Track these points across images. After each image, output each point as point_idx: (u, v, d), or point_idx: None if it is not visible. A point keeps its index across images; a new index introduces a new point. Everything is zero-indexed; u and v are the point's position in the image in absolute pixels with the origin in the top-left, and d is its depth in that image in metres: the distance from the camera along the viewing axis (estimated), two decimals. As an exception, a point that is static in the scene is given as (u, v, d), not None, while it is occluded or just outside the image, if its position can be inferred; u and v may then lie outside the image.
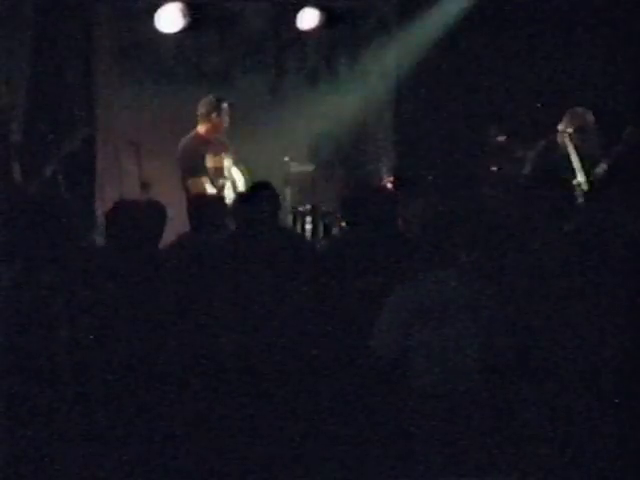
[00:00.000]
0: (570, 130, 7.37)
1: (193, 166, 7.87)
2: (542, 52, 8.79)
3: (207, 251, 5.63)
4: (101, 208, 7.53)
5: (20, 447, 4.37)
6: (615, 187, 5.88)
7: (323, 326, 4.90)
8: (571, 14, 8.65)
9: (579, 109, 7.46)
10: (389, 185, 8.40)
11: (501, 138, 8.89)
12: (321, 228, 7.99)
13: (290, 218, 8.07)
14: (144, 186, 7.88)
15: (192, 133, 8.17)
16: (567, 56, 8.71)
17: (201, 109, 8.15)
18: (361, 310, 4.91)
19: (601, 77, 8.46)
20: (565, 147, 7.37)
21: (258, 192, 5.49)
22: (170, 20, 8.85)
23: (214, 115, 8.07)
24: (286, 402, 4.84)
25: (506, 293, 4.78)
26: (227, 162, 8.04)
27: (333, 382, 4.93)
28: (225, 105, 8.08)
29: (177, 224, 6.17)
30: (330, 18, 9.09)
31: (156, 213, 5.33)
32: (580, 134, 7.35)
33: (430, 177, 8.39)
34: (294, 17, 9.09)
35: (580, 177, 7.11)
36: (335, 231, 7.69)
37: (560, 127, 7.44)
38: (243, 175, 8.14)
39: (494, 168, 8.72)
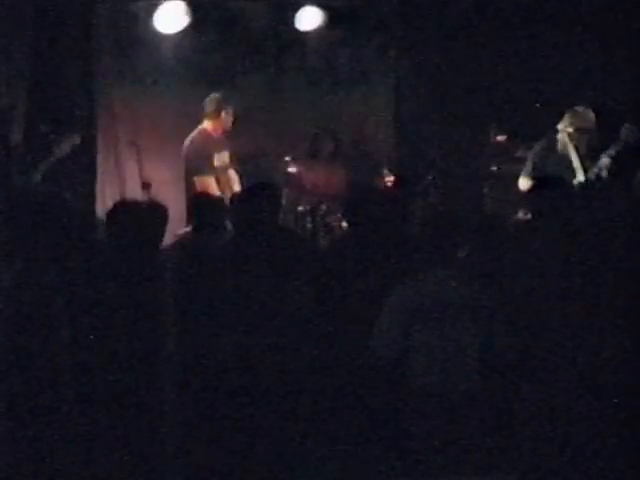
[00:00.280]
0: (570, 129, 7.36)
1: (200, 164, 7.90)
2: (542, 52, 8.80)
3: (207, 251, 5.64)
4: (101, 208, 7.53)
5: (20, 447, 4.36)
6: (614, 185, 5.87)
7: (323, 326, 4.90)
8: (570, 14, 8.65)
9: (579, 108, 7.45)
10: (389, 185, 8.41)
11: (501, 138, 8.90)
12: (321, 228, 8.00)
13: (290, 218, 8.07)
14: (144, 186, 7.89)
15: (199, 131, 8.18)
16: (567, 56, 8.71)
17: (209, 107, 8.17)
18: (361, 310, 4.91)
19: (601, 76, 8.46)
20: (565, 146, 7.36)
21: (258, 192, 5.49)
22: (170, 20, 8.86)
23: (223, 113, 8.11)
24: (286, 402, 4.84)
25: (506, 293, 4.78)
26: (229, 161, 8.07)
27: (333, 382, 4.93)
28: (230, 103, 8.13)
29: (177, 224, 6.19)
30: (330, 17, 9.11)
31: (156, 213, 5.34)
32: (580, 133, 7.34)
33: (430, 177, 8.39)
34: (294, 17, 9.10)
35: (580, 176, 7.11)
36: (335, 231, 7.69)
37: (560, 126, 7.43)
38: (238, 175, 8.17)
39: (494, 168, 8.74)
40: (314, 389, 4.91)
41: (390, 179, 8.40)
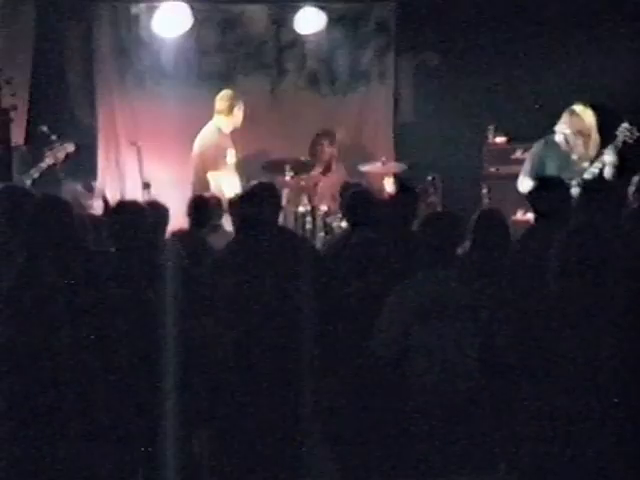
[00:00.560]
0: (569, 131, 7.37)
1: (215, 160, 7.94)
2: (541, 52, 8.81)
3: (208, 251, 5.65)
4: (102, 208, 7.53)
5: (20, 447, 4.36)
6: (613, 184, 5.88)
7: (323, 326, 4.90)
8: (570, 14, 8.66)
9: (578, 108, 7.46)
10: (389, 185, 8.43)
11: (500, 139, 8.92)
12: (321, 228, 8.01)
13: (290, 218, 8.09)
14: (145, 186, 7.91)
15: (210, 127, 8.19)
16: (566, 56, 8.72)
17: (222, 104, 8.22)
18: (361, 310, 4.91)
19: (599, 76, 8.47)
20: (563, 147, 7.37)
21: (258, 192, 5.49)
22: (171, 21, 8.87)
23: (235, 109, 8.16)
24: (286, 402, 4.83)
25: (506, 293, 4.78)
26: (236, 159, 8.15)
27: (333, 382, 4.93)
28: (241, 104, 8.16)
29: (177, 224, 6.19)
30: (329, 20, 9.12)
31: (157, 213, 5.35)
32: (578, 134, 7.35)
33: (430, 177, 8.40)
34: (293, 19, 9.12)
35: (578, 177, 7.11)
36: (335, 231, 7.70)
37: (558, 127, 7.44)
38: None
39: (493, 168, 8.75)
40: (314, 389, 4.91)
41: (390, 179, 8.42)
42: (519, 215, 7.37)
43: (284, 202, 7.66)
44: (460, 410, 4.59)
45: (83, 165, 8.78)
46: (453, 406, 4.59)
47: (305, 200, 8.22)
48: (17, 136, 8.34)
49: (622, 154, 7.08)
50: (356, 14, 9.36)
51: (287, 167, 8.30)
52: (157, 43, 9.05)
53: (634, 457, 4.08)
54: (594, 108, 7.49)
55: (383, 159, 8.71)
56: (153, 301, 4.57)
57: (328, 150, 8.79)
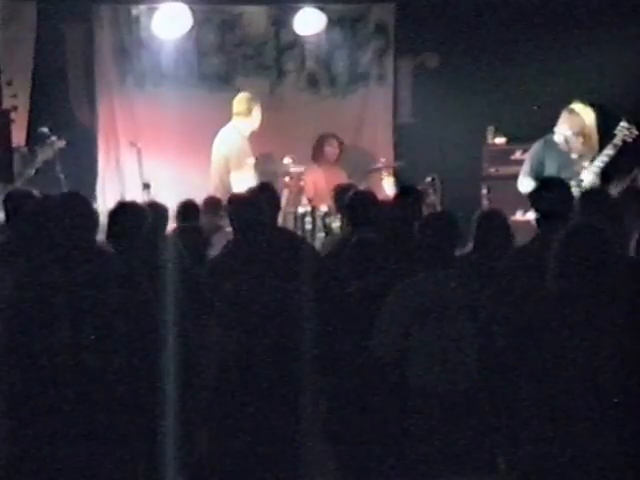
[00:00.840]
0: (568, 131, 7.37)
1: (240, 162, 7.96)
2: (540, 53, 8.82)
3: (209, 252, 5.65)
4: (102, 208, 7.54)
5: (20, 447, 4.36)
6: (612, 184, 5.88)
7: (323, 326, 4.90)
8: (569, 15, 8.67)
9: (576, 107, 7.46)
10: (388, 186, 8.43)
11: (500, 140, 8.93)
12: (321, 228, 8.01)
13: (290, 219, 8.09)
14: (145, 186, 7.92)
15: (230, 128, 8.18)
16: (565, 57, 8.73)
17: (240, 106, 8.24)
18: (361, 310, 4.91)
19: (599, 76, 8.48)
20: (564, 146, 7.37)
21: (258, 193, 5.50)
22: (171, 22, 8.88)
23: (254, 111, 8.18)
24: (286, 402, 4.83)
25: (505, 293, 4.78)
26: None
27: (333, 382, 4.93)
28: (258, 106, 8.17)
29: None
30: (328, 21, 9.13)
31: (156, 213, 5.36)
32: (577, 133, 7.35)
33: (429, 178, 8.40)
34: (293, 20, 9.12)
35: (578, 176, 7.12)
36: (335, 231, 7.70)
37: (557, 128, 7.44)
38: None
39: (493, 169, 8.76)
40: (314, 389, 4.91)
41: (389, 180, 8.43)
42: (519, 215, 7.37)
43: (283, 203, 7.67)
44: (460, 410, 4.59)
45: (83, 166, 8.80)
46: (453, 406, 4.59)
47: (305, 201, 8.23)
48: (18, 137, 8.36)
49: (621, 153, 7.09)
50: (355, 15, 9.36)
51: (287, 167, 8.31)
52: (157, 44, 9.06)
53: (634, 457, 4.07)
54: (593, 107, 7.49)
55: (382, 160, 8.72)
56: (153, 302, 4.55)
57: (332, 151, 8.80)
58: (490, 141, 8.93)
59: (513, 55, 8.85)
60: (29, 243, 4.61)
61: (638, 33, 8.52)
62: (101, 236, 5.04)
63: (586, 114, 7.41)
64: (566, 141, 7.35)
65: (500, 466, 4.68)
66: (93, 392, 4.32)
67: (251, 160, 8.19)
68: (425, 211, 6.87)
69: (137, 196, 7.65)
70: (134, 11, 9.07)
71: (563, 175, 6.67)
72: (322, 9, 9.11)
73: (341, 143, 8.89)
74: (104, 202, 8.24)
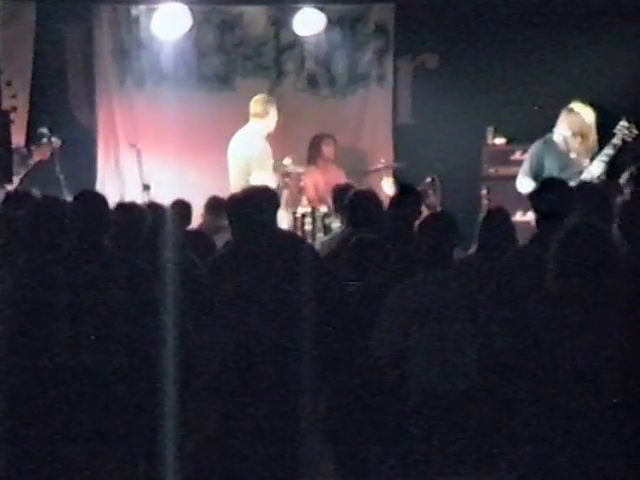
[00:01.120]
0: (567, 131, 7.38)
1: (262, 163, 7.95)
2: (539, 54, 8.82)
3: (208, 253, 5.64)
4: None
5: (20, 447, 4.36)
6: (611, 184, 5.87)
7: (323, 327, 4.89)
8: (569, 15, 8.67)
9: (576, 106, 7.47)
10: (388, 186, 8.43)
11: (499, 140, 8.93)
12: (321, 229, 8.01)
13: (290, 219, 8.09)
14: (145, 187, 7.92)
15: (250, 131, 8.15)
16: (564, 57, 8.73)
17: (257, 107, 8.22)
18: (361, 310, 4.91)
19: (598, 76, 8.48)
20: (563, 146, 7.38)
21: (257, 193, 5.49)
22: (170, 23, 8.88)
23: (270, 112, 8.17)
24: (286, 402, 4.83)
25: (505, 293, 4.78)
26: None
27: (333, 382, 4.93)
28: (275, 107, 8.14)
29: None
30: (328, 22, 9.13)
31: (156, 214, 5.35)
32: (577, 133, 7.36)
33: (429, 178, 8.41)
34: (292, 21, 9.12)
35: (579, 175, 7.13)
36: (335, 231, 7.69)
37: (557, 128, 7.45)
38: None
39: (492, 169, 8.76)
40: (314, 389, 4.91)
41: (389, 180, 8.43)
42: (518, 216, 7.37)
43: (283, 203, 7.66)
44: (459, 410, 4.59)
45: (82, 166, 8.80)
46: (452, 406, 4.59)
47: (304, 201, 8.23)
48: (17, 138, 8.36)
49: (621, 152, 7.09)
50: (355, 16, 9.36)
51: (287, 168, 8.31)
52: (156, 44, 9.06)
53: (634, 457, 4.07)
54: (593, 107, 7.50)
55: (382, 160, 8.72)
56: (152, 301, 4.55)
57: (330, 150, 8.80)
58: (490, 141, 8.94)
59: (513, 55, 8.85)
60: (34, 242, 4.61)
61: (638, 33, 8.53)
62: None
63: (585, 114, 7.42)
64: (565, 141, 7.35)
65: (500, 466, 4.68)
66: (93, 392, 4.32)
67: (271, 161, 8.15)
68: (425, 211, 6.88)
69: (137, 197, 7.65)
70: (133, 11, 9.08)
71: (563, 175, 6.68)
72: (322, 9, 9.11)
73: (336, 142, 8.89)
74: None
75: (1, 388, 4.37)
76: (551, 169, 7.28)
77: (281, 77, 9.35)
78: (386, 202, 6.18)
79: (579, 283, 4.12)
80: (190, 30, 8.99)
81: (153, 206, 5.63)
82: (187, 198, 6.76)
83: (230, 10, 9.30)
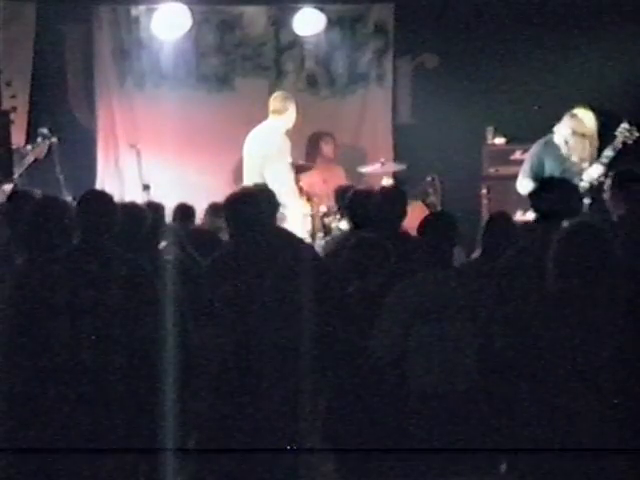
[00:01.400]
0: (568, 132, 7.37)
1: (281, 159, 7.91)
2: (539, 54, 8.82)
3: (205, 251, 5.64)
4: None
5: (19, 447, 4.36)
6: (611, 184, 5.87)
7: (323, 327, 4.89)
8: (569, 15, 8.67)
9: (579, 110, 7.46)
10: (388, 186, 8.42)
11: (499, 140, 8.93)
12: (320, 229, 8.01)
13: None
14: (144, 187, 7.92)
15: (269, 127, 8.11)
16: (565, 57, 8.73)
17: (275, 104, 8.19)
18: (360, 311, 4.91)
19: (599, 77, 8.48)
20: (564, 147, 7.37)
21: (256, 193, 5.48)
22: (170, 23, 8.88)
23: (289, 109, 8.14)
24: (285, 402, 4.83)
25: (505, 293, 4.78)
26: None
27: (332, 382, 4.93)
28: (293, 105, 8.11)
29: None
30: (328, 22, 9.13)
31: (156, 214, 5.36)
32: (578, 135, 7.35)
33: (429, 178, 8.41)
34: (292, 21, 9.12)
35: (579, 178, 7.12)
36: (335, 231, 7.70)
37: (557, 128, 7.44)
38: None
39: (492, 169, 8.76)
40: (314, 389, 4.91)
41: (389, 181, 8.42)
42: (519, 215, 7.36)
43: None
44: (459, 410, 4.59)
45: (82, 166, 8.80)
46: (452, 406, 4.59)
47: (303, 201, 8.22)
48: (17, 138, 8.36)
49: (621, 154, 7.09)
50: (355, 16, 9.37)
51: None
52: (156, 45, 9.06)
53: (634, 457, 4.07)
54: (593, 109, 7.50)
55: (382, 160, 8.72)
56: (152, 302, 4.55)
57: (329, 149, 8.79)
58: (490, 141, 8.94)
59: (513, 55, 8.85)
60: (34, 242, 4.61)
61: (638, 33, 8.53)
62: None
63: (587, 118, 7.42)
64: (566, 142, 7.35)
65: (500, 466, 4.68)
66: (92, 391, 4.32)
67: (289, 158, 8.11)
68: (425, 211, 6.87)
69: (137, 197, 7.65)
70: (133, 12, 9.08)
71: (562, 176, 6.67)
72: (321, 9, 9.12)
73: (335, 140, 8.89)
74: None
75: (1, 388, 4.37)
76: (551, 170, 7.28)
77: (281, 77, 9.35)
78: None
79: (579, 283, 4.12)
80: (190, 30, 8.99)
81: (153, 206, 5.63)
82: (187, 198, 6.77)
83: (230, 10, 9.30)
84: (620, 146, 7.14)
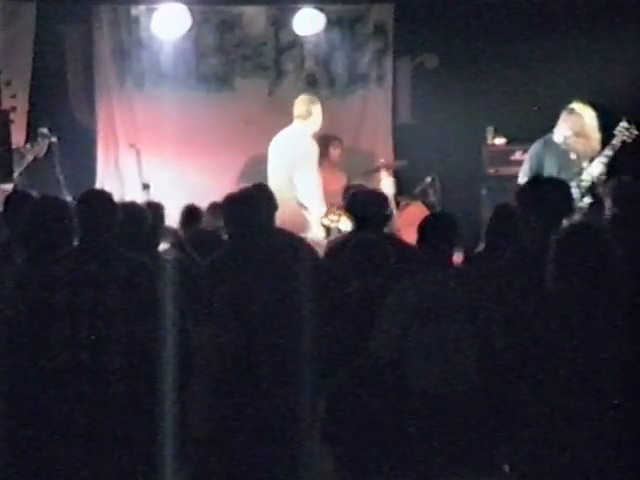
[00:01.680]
0: (568, 132, 7.37)
1: (308, 161, 7.87)
2: (539, 54, 8.82)
3: (206, 252, 5.64)
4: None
5: (19, 447, 4.36)
6: (612, 184, 5.87)
7: (322, 327, 4.89)
8: (569, 15, 8.67)
9: (577, 106, 7.46)
10: (388, 186, 8.42)
11: (499, 140, 8.93)
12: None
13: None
14: (144, 187, 7.92)
15: (295, 130, 8.08)
16: (565, 57, 8.73)
17: (300, 108, 8.14)
18: (360, 310, 4.91)
19: (598, 77, 8.48)
20: (563, 146, 7.37)
21: (255, 193, 5.49)
22: (170, 23, 8.89)
23: (314, 113, 8.09)
24: (285, 402, 4.83)
25: (505, 294, 4.78)
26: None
27: (332, 382, 4.93)
28: (319, 107, 8.09)
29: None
30: (327, 22, 9.14)
31: (156, 213, 5.36)
32: (577, 134, 7.35)
33: (429, 178, 8.41)
34: (292, 21, 9.13)
35: (579, 176, 7.12)
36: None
37: (557, 128, 7.44)
38: None
39: (492, 170, 8.76)
40: (313, 390, 4.91)
41: (389, 181, 8.42)
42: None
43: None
44: (459, 411, 4.59)
45: (82, 166, 8.81)
46: (452, 407, 4.59)
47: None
48: (17, 138, 8.36)
49: (620, 151, 7.09)
50: (354, 16, 9.37)
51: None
52: (156, 45, 9.07)
53: (634, 458, 4.07)
54: (594, 107, 7.50)
55: (382, 161, 8.71)
56: (152, 302, 4.55)
57: (336, 154, 8.78)
58: (490, 141, 8.94)
59: (513, 55, 8.85)
60: (34, 242, 4.60)
61: (638, 33, 8.53)
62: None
63: (586, 114, 7.42)
64: (566, 141, 7.35)
65: (500, 467, 4.68)
66: (91, 392, 4.32)
67: (316, 160, 8.06)
68: (425, 211, 6.87)
69: (136, 197, 7.65)
70: (133, 12, 9.09)
71: (563, 175, 6.67)
72: (321, 10, 9.12)
73: (342, 144, 8.89)
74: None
75: (0, 388, 4.37)
76: (551, 170, 7.28)
77: (280, 77, 9.35)
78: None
79: (578, 283, 4.12)
80: (189, 30, 8.99)
81: (153, 206, 5.63)
82: (187, 198, 6.77)
83: (230, 10, 9.30)
84: (619, 145, 7.14)
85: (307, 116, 8.13)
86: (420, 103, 9.30)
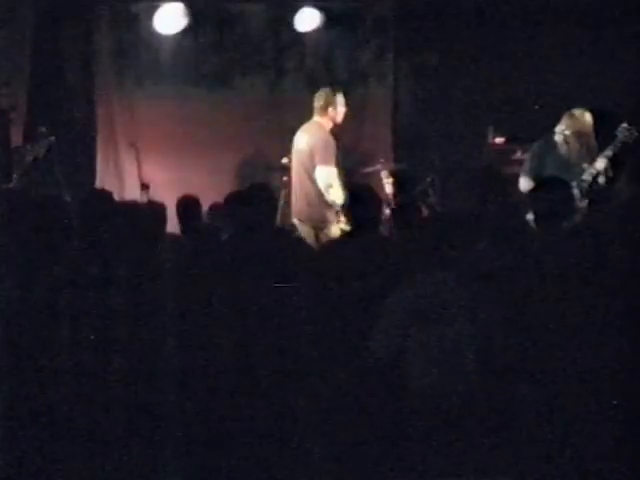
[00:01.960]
0: (568, 131, 7.37)
1: (327, 156, 7.83)
2: (540, 53, 8.83)
3: (206, 252, 5.64)
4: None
5: (20, 447, 4.36)
6: (612, 185, 5.88)
7: (322, 327, 4.89)
8: (569, 14, 8.68)
9: (577, 110, 7.47)
10: (388, 186, 8.42)
11: (499, 140, 8.93)
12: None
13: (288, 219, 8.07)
14: (144, 187, 7.92)
15: (315, 125, 8.05)
16: (565, 57, 8.74)
17: (319, 102, 8.09)
18: (359, 311, 4.91)
19: (598, 77, 8.49)
20: (562, 148, 7.37)
21: (255, 193, 5.49)
22: (169, 21, 8.89)
23: (331, 108, 8.05)
24: (284, 403, 4.83)
25: (504, 294, 4.78)
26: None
27: (331, 383, 4.93)
28: (340, 96, 8.03)
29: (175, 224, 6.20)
30: (328, 19, 9.13)
31: (156, 213, 5.35)
32: (577, 135, 7.35)
33: (429, 178, 8.41)
34: (293, 18, 9.13)
35: (579, 176, 7.12)
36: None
37: (557, 128, 7.44)
38: None
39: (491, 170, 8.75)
40: (313, 390, 4.91)
41: (389, 180, 8.42)
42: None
43: (281, 203, 7.65)
44: (458, 411, 4.59)
45: (81, 166, 8.81)
46: (451, 408, 4.59)
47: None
48: (16, 137, 8.36)
49: (620, 153, 7.09)
50: (355, 14, 9.36)
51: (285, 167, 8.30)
52: (156, 43, 9.06)
53: (634, 458, 4.08)
54: (594, 112, 7.50)
55: (382, 160, 8.71)
56: (152, 302, 4.56)
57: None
58: (490, 141, 8.94)
59: (513, 54, 8.85)
60: (34, 242, 4.61)
61: (638, 33, 8.52)
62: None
63: (586, 117, 7.42)
64: (566, 141, 7.35)
65: (500, 467, 4.68)
66: (91, 392, 4.32)
67: (334, 155, 8.02)
68: (425, 211, 6.87)
69: (136, 196, 7.66)
70: (133, 10, 9.09)
71: (563, 175, 6.65)
72: (321, 8, 9.12)
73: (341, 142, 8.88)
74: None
75: (1, 388, 4.37)
76: (551, 169, 7.28)
77: (281, 76, 9.35)
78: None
79: (578, 283, 4.12)
80: (189, 28, 8.99)
81: (153, 206, 5.63)
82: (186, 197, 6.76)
83: (229, 8, 9.30)
84: (620, 145, 7.14)
85: (325, 110, 8.10)
86: (421, 101, 9.30)
